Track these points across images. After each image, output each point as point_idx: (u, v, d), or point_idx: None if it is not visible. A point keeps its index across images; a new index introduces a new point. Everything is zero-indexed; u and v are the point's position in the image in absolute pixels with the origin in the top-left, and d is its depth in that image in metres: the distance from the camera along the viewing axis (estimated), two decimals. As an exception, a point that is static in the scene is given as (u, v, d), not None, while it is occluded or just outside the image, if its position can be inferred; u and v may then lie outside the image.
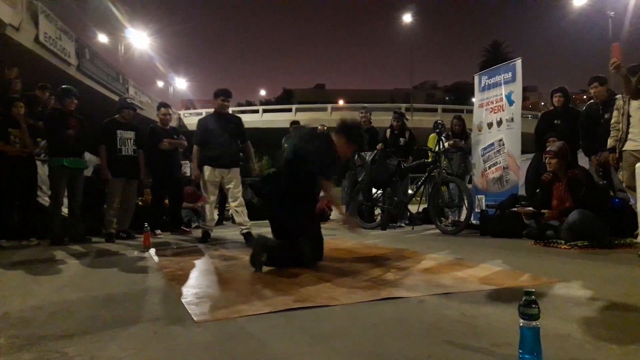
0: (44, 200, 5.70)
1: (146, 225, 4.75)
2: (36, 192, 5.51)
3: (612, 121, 4.70)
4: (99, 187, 5.93)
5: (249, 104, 44.67)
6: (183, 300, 2.27)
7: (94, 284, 2.86)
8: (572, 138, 5.20)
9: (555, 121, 5.60)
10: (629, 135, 4.48)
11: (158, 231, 6.05)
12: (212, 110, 5.45)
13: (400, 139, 7.09)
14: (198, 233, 6.33)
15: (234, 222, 7.88)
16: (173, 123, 6.63)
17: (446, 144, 6.48)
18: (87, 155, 6.65)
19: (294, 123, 8.41)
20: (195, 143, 5.25)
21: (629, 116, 4.50)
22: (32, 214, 5.26)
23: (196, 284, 2.81)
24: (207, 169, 5.10)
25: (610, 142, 4.69)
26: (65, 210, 5.45)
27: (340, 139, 3.44)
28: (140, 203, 6.63)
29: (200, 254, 4.18)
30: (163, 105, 6.60)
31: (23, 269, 3.47)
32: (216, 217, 5.69)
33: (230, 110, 5.65)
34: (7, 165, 4.94)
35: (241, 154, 5.50)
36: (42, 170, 5.78)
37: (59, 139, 5.17)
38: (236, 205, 5.15)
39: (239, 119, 5.60)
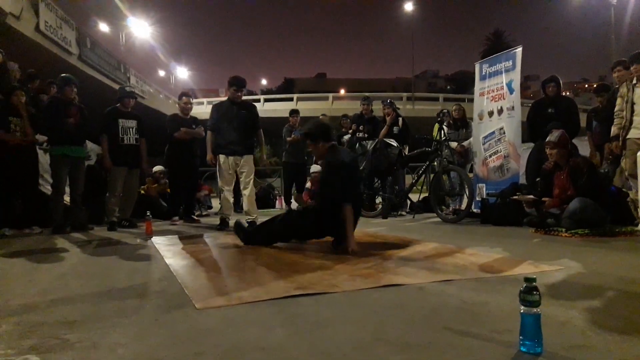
0: (46, 188, 5.70)
1: (148, 214, 4.76)
2: (38, 181, 5.51)
3: (616, 109, 4.66)
4: (102, 176, 5.93)
5: (250, 93, 44.49)
6: (184, 287, 2.28)
7: (95, 272, 2.87)
8: (569, 126, 5.01)
9: (549, 110, 5.51)
10: (634, 123, 4.46)
11: (176, 218, 6.09)
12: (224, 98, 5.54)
13: (394, 127, 6.95)
14: (206, 221, 6.36)
15: (240, 209, 7.92)
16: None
17: (454, 145, 6.44)
18: (90, 144, 6.64)
19: (294, 112, 8.25)
20: (208, 129, 5.40)
21: (632, 104, 4.48)
22: (34, 203, 5.26)
23: (198, 271, 2.81)
24: (220, 157, 5.21)
25: (614, 129, 4.65)
26: (67, 198, 5.46)
27: (320, 146, 3.63)
28: (142, 192, 6.64)
29: (202, 242, 4.19)
30: (185, 94, 6.60)
31: (25, 257, 3.49)
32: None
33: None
34: (8, 154, 4.93)
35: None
36: (44, 159, 5.77)
37: (59, 127, 5.16)
38: (247, 193, 5.24)
39: (253, 106, 5.58)
